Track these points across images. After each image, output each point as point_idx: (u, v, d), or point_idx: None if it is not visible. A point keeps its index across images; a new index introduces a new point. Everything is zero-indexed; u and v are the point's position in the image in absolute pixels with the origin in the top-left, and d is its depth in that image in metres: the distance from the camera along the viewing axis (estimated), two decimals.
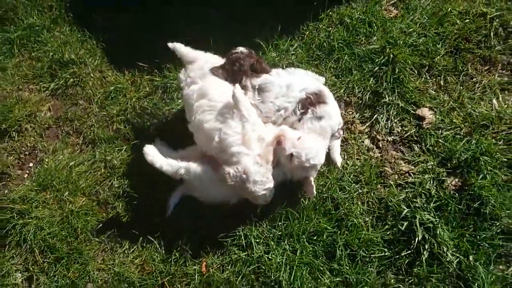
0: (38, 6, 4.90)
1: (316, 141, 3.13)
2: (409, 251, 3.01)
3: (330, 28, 4.05)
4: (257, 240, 3.18)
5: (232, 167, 2.97)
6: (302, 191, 3.29)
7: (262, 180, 2.95)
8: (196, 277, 3.14)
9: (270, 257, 3.09)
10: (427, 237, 2.98)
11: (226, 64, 3.37)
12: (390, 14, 4.07)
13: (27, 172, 3.86)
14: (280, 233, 3.18)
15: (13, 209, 3.54)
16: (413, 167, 3.32)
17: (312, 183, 3.14)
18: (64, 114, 4.13)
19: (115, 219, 3.51)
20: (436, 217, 3.03)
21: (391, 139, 3.50)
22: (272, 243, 3.14)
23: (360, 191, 3.29)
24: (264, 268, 3.07)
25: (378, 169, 3.35)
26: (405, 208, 3.09)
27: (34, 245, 3.40)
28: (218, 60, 3.46)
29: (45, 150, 3.94)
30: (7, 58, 4.60)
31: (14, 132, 4.05)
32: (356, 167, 3.37)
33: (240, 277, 3.07)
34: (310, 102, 3.26)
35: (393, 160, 3.39)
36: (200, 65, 3.35)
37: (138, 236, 3.39)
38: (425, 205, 3.09)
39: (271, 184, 3.00)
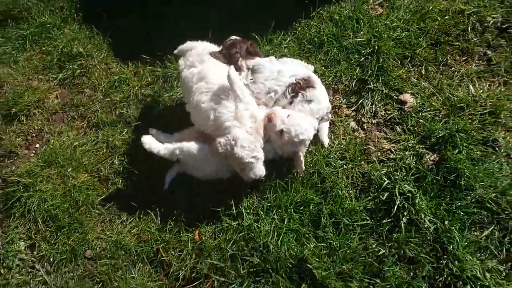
0: (50, 7, 5.27)
1: (305, 118, 3.37)
2: (389, 219, 3.19)
3: (321, 25, 4.35)
4: (248, 211, 3.37)
5: (223, 137, 3.20)
6: (291, 167, 3.49)
7: (250, 147, 3.15)
8: (189, 244, 3.31)
9: (259, 225, 3.27)
10: (406, 205, 3.16)
11: (223, 49, 3.67)
12: (376, 12, 4.38)
13: (34, 151, 4.10)
14: (269, 204, 3.37)
15: (19, 182, 3.75)
16: (394, 145, 3.54)
17: (302, 158, 3.36)
18: (70, 101, 4.40)
19: (115, 193, 3.72)
20: (415, 187, 3.23)
21: (375, 122, 3.74)
22: (262, 213, 3.33)
23: (345, 167, 3.50)
24: (253, 235, 3.25)
25: (362, 147, 3.57)
26: (386, 179, 3.30)
27: (38, 216, 3.60)
28: (215, 47, 3.76)
29: (51, 132, 4.19)
30: (20, 52, 4.93)
31: (23, 116, 4.32)
32: (342, 146, 3.60)
33: (231, 243, 3.25)
34: (300, 87, 3.52)
35: (376, 139, 3.62)
36: (198, 52, 3.64)
37: (136, 208, 3.59)
38: (404, 177, 3.29)
39: (259, 154, 3.21)
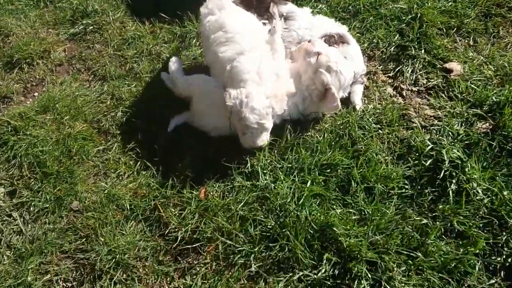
0: None
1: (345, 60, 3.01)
2: (433, 189, 2.68)
3: None
4: (264, 171, 2.88)
5: (235, 89, 2.78)
6: (317, 124, 3.03)
7: (261, 112, 2.74)
8: (193, 202, 2.81)
9: (276, 187, 2.77)
10: (454, 173, 2.66)
11: None
12: None
13: (31, 99, 3.71)
14: (289, 165, 2.89)
15: (9, 124, 3.33)
16: (439, 112, 3.06)
17: (336, 94, 2.89)
18: (78, 54, 4.05)
19: (114, 146, 3.27)
20: (465, 154, 2.72)
21: (416, 89, 3.30)
22: (280, 173, 2.84)
23: (380, 131, 3.03)
24: (269, 196, 2.74)
25: (400, 111, 3.11)
26: (430, 144, 2.80)
27: (24, 161, 3.14)
28: None
29: (53, 82, 3.81)
30: (32, 8, 4.63)
31: (25, 64, 3.97)
32: (378, 110, 3.14)
33: (242, 204, 2.74)
34: (335, 41, 3.14)
35: (417, 106, 3.16)
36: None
37: (136, 162, 3.14)
38: (452, 143, 2.79)
39: (268, 123, 2.81)
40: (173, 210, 2.82)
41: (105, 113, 3.47)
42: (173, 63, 3.32)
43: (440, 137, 2.84)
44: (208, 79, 3.02)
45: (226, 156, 2.96)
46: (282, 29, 3.21)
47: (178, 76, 3.21)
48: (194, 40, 3.88)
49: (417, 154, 2.85)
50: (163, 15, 4.12)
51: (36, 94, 3.75)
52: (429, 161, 2.75)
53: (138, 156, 3.15)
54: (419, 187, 2.70)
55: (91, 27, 4.24)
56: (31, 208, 2.95)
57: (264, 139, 2.86)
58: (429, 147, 2.79)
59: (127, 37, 4.07)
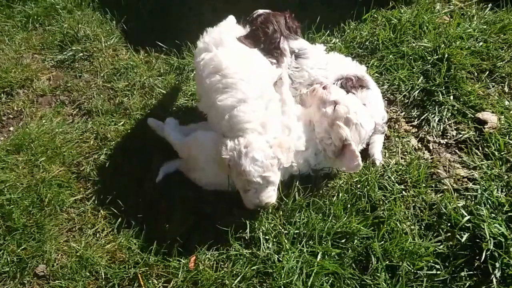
0: None
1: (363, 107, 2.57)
2: (472, 272, 2.21)
3: (374, 29, 3.59)
4: (266, 237, 2.43)
5: (233, 139, 2.35)
6: (330, 181, 2.58)
7: (263, 163, 2.30)
8: (181, 273, 2.35)
9: (280, 259, 2.31)
10: (497, 254, 2.19)
11: (255, 29, 2.89)
12: (443, 21, 3.62)
13: (5, 135, 3.27)
14: (297, 231, 2.43)
15: None
16: (473, 172, 2.61)
17: (357, 151, 2.46)
18: (64, 84, 3.64)
19: (93, 196, 2.83)
20: (509, 230, 2.26)
21: (444, 142, 2.86)
22: (286, 241, 2.38)
23: (405, 193, 2.57)
24: (271, 270, 2.28)
25: (428, 170, 2.65)
26: (466, 214, 2.34)
27: None
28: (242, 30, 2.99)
29: (32, 115, 3.39)
30: (20, 31, 4.25)
31: (2, 94, 3.57)
32: (401, 167, 2.69)
33: (239, 279, 2.28)
34: (352, 85, 2.72)
35: (447, 163, 2.71)
36: (221, 30, 2.83)
37: (117, 216, 2.68)
38: (493, 215, 2.33)
39: (273, 177, 2.36)
40: (156, 282, 2.36)
41: (87, 155, 3.04)
42: (169, 125, 2.83)
43: (478, 206, 2.38)
44: (206, 134, 2.56)
45: (222, 215, 2.50)
46: (293, 68, 2.80)
47: (175, 140, 2.74)
48: (193, 74, 3.46)
49: (449, 224, 2.39)
50: (160, 44, 3.74)
51: (12, 128, 3.32)
52: (465, 236, 2.29)
53: (120, 210, 2.71)
54: (453, 268, 2.23)
55: (81, 54, 3.85)
56: None
57: (271, 195, 2.40)
58: (466, 218, 2.32)
59: (119, 66, 3.67)
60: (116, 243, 2.56)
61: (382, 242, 2.34)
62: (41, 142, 3.05)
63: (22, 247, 2.55)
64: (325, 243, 2.37)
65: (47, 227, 2.65)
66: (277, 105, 2.51)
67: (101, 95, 3.46)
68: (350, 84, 2.74)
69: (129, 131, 3.17)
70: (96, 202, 2.79)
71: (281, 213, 2.51)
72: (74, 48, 3.87)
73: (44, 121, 3.25)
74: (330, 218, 2.45)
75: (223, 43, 2.68)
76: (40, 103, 3.52)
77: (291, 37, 2.85)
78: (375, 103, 2.78)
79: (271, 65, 2.69)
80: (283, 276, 2.23)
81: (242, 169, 2.31)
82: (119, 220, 2.66)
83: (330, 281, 2.25)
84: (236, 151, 2.32)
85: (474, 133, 2.83)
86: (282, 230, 2.44)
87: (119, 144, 3.08)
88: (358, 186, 2.59)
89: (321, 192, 2.59)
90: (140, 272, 2.39)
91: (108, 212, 2.72)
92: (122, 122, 3.22)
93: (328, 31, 3.60)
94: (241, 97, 2.42)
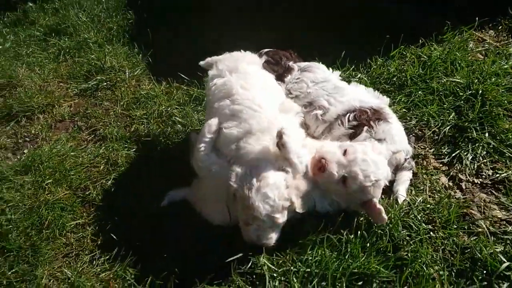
0: (99, 27, 4.84)
1: (370, 148, 2.30)
2: None
3: (403, 66, 3.43)
4: (273, 274, 2.16)
5: (244, 167, 2.16)
6: (348, 217, 2.32)
7: (276, 203, 2.07)
8: None
9: None
10: None
11: (268, 60, 2.87)
12: (477, 58, 3.43)
13: (18, 157, 3.23)
14: (308, 269, 2.16)
15: None
16: None
17: (378, 205, 2.20)
18: (83, 111, 3.63)
19: (96, 222, 2.69)
20: None
21: (479, 182, 2.55)
22: (295, 281, 2.11)
23: (432, 234, 2.27)
24: None
25: (460, 210, 2.35)
26: (505, 260, 2.01)
27: None
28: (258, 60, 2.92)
29: (47, 139, 3.37)
30: (51, 62, 4.39)
31: (23, 118, 3.62)
32: (429, 205, 2.41)
33: None
34: (368, 118, 2.52)
35: (482, 204, 2.40)
36: (236, 57, 2.79)
37: (116, 245, 2.50)
38: None
39: (281, 219, 2.12)
40: None
41: (95, 179, 2.93)
42: (210, 128, 2.45)
43: None
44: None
45: (224, 249, 2.26)
46: (294, 80, 2.72)
47: (205, 148, 2.42)
48: None
49: (485, 272, 2.05)
50: (182, 75, 3.70)
51: (26, 151, 3.28)
52: (504, 286, 1.94)
53: (120, 237, 2.54)
54: None
55: (105, 83, 3.88)
56: None
57: (271, 237, 2.15)
58: (505, 265, 1.99)
59: (139, 96, 3.66)
60: (111, 272, 2.37)
61: (406, 287, 2.02)
62: (50, 164, 2.99)
63: (13, 270, 2.39)
64: (339, 285, 2.08)
65: (42, 251, 2.51)
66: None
67: (118, 122, 3.41)
68: (364, 118, 2.54)
69: (139, 157, 3.06)
70: (97, 228, 2.64)
71: (290, 248, 2.24)
72: (98, 77, 3.91)
73: (57, 144, 3.19)
74: (347, 257, 2.17)
75: (238, 70, 2.60)
76: (58, 128, 3.50)
77: (300, 60, 2.79)
78: (395, 137, 2.53)
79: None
80: None
81: (250, 203, 2.08)
82: (117, 248, 2.48)
83: None
84: (246, 182, 2.12)
85: None
86: (291, 268, 2.17)
87: (129, 170, 2.97)
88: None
89: (336, 228, 2.32)
90: None
91: (107, 240, 2.56)
92: (135, 149, 3.12)
93: (354, 66, 3.46)
94: (247, 129, 2.28)
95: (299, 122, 2.54)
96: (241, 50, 2.92)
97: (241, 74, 2.58)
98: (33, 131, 3.45)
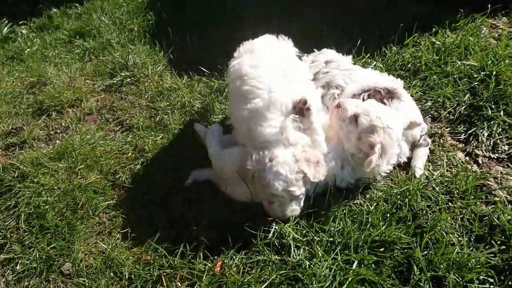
0: (121, 28, 5.04)
1: (387, 108, 2.43)
2: None
3: (417, 53, 3.53)
4: (298, 244, 2.27)
5: (258, 150, 2.29)
6: (366, 194, 2.43)
7: (288, 177, 2.22)
8: (205, 277, 2.22)
9: (312, 265, 2.13)
10: None
11: None
12: (489, 43, 3.51)
13: (50, 147, 3.40)
14: (331, 239, 2.26)
15: (18, 169, 3.00)
16: None
17: (375, 157, 2.31)
18: (110, 104, 3.81)
19: (126, 202, 2.83)
20: None
21: (495, 156, 2.63)
22: (318, 249, 2.21)
23: (451, 204, 2.35)
24: (302, 277, 2.10)
25: (477, 181, 2.43)
26: None
27: (23, 211, 2.74)
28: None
29: (78, 130, 3.53)
30: (76, 62, 4.59)
31: (54, 112, 3.79)
32: (446, 178, 2.49)
33: (266, 284, 2.11)
34: (381, 97, 2.63)
35: (499, 175, 2.48)
36: (256, 40, 2.81)
37: (147, 222, 2.65)
38: None
39: (298, 191, 2.27)
40: (180, 285, 2.24)
41: (124, 164, 3.08)
42: (212, 132, 2.75)
43: None
44: (240, 150, 2.50)
45: (251, 221, 2.38)
46: (309, 63, 2.83)
47: (213, 152, 2.66)
48: None
49: (503, 237, 2.13)
50: (202, 68, 3.86)
51: (58, 141, 3.45)
52: None
53: (150, 216, 2.67)
54: (510, 282, 1.94)
55: (129, 79, 4.05)
56: (17, 267, 2.47)
57: (294, 208, 2.31)
58: None
59: (162, 89, 3.82)
60: (143, 246, 2.49)
61: (426, 252, 2.11)
62: (82, 152, 3.14)
63: (52, 246, 2.54)
64: (361, 252, 2.17)
65: (78, 229, 2.65)
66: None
67: (143, 113, 3.57)
68: (378, 97, 2.65)
69: (166, 144, 3.20)
70: (127, 208, 2.78)
71: (313, 220, 2.35)
72: (122, 74, 4.08)
73: (87, 134, 3.36)
74: (368, 226, 2.27)
75: (253, 50, 2.66)
76: (86, 120, 3.67)
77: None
78: (408, 110, 2.64)
79: (304, 68, 2.68)
80: (314, 282, 2.04)
81: (266, 182, 2.23)
82: (148, 224, 2.61)
83: None
84: (261, 164, 2.25)
85: None
86: (315, 237, 2.27)
87: (156, 156, 3.11)
88: (399, 196, 2.41)
89: (357, 201, 2.42)
90: (164, 274, 2.28)
91: (139, 218, 2.69)
92: (161, 136, 3.27)
93: (369, 54, 3.57)
94: (254, 109, 2.37)
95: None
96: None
97: (255, 53, 2.63)
98: (63, 124, 3.62)
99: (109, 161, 3.11)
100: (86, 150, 3.17)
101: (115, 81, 4.06)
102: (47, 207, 2.74)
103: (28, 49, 5.03)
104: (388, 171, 2.51)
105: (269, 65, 2.52)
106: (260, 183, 2.27)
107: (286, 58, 2.67)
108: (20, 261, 2.49)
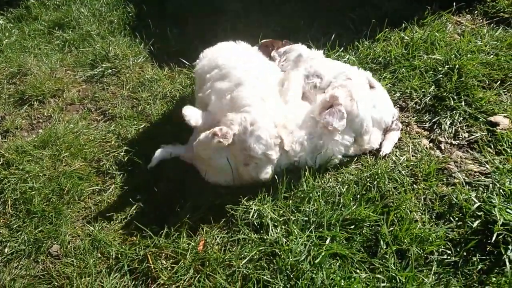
0: (100, 20, 5.08)
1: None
2: (484, 257, 2.15)
3: (388, 47, 3.74)
4: (275, 224, 2.44)
5: (239, 114, 2.47)
6: (338, 178, 2.62)
7: (268, 142, 2.46)
8: (189, 254, 2.37)
9: (288, 242, 2.31)
10: (509, 239, 2.14)
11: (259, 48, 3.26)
12: (455, 39, 3.75)
13: (34, 135, 3.47)
14: (306, 218, 2.44)
15: (3, 157, 3.07)
16: (486, 166, 2.60)
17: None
18: (92, 95, 3.88)
19: (111, 188, 2.94)
20: None
21: (456, 143, 2.86)
22: (294, 227, 2.38)
23: (415, 186, 2.57)
24: (279, 252, 2.28)
25: (439, 165, 2.66)
26: (477, 202, 2.32)
27: (9, 196, 2.82)
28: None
29: (60, 119, 3.60)
30: (56, 53, 4.62)
31: (35, 102, 3.84)
32: (412, 162, 2.71)
33: (246, 260, 2.28)
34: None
35: (459, 159, 2.71)
36: (225, 42, 3.15)
37: (131, 205, 2.77)
38: (505, 203, 2.30)
39: (274, 155, 2.53)
40: (165, 263, 2.38)
41: (107, 152, 3.18)
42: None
43: (490, 195, 2.34)
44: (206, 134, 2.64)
45: (233, 199, 2.54)
46: (281, 62, 3.06)
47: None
48: None
49: (460, 214, 2.36)
50: (183, 60, 3.97)
51: (41, 130, 3.52)
52: (476, 222, 2.25)
53: (134, 199, 2.79)
54: (465, 253, 2.18)
55: (110, 70, 4.12)
56: (6, 250, 2.57)
57: (268, 171, 2.55)
58: (476, 205, 2.30)
59: (143, 80, 3.91)
60: (129, 228, 2.62)
61: (392, 228, 2.32)
62: (66, 140, 3.23)
63: (39, 229, 2.64)
64: (333, 229, 2.36)
65: (64, 213, 2.75)
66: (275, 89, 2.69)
67: (125, 104, 3.66)
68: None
69: (148, 132, 3.31)
70: (112, 193, 2.89)
71: (290, 202, 2.52)
72: (104, 65, 4.15)
73: (70, 123, 3.44)
74: (340, 206, 2.46)
75: (221, 46, 3.05)
76: (69, 110, 3.74)
77: (280, 47, 3.14)
78: (381, 98, 2.85)
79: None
80: (290, 257, 2.22)
81: (247, 145, 2.45)
82: (133, 208, 2.74)
83: (338, 264, 2.22)
84: (242, 127, 2.44)
85: (486, 133, 2.84)
86: (291, 217, 2.45)
87: (138, 143, 3.22)
88: (368, 179, 2.61)
89: (330, 184, 2.61)
90: (150, 253, 2.42)
91: (123, 202, 2.81)
92: (143, 125, 3.38)
93: (342, 48, 3.76)
94: (237, 81, 2.63)
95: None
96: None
97: (225, 49, 3.03)
98: (45, 113, 3.68)
99: (93, 149, 3.21)
100: (69, 138, 3.26)
101: (96, 72, 4.13)
102: (33, 193, 2.82)
103: (6, 40, 5.02)
104: (348, 143, 2.68)
105: (243, 58, 2.87)
106: (241, 146, 2.46)
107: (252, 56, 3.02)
108: (8, 244, 2.58)
